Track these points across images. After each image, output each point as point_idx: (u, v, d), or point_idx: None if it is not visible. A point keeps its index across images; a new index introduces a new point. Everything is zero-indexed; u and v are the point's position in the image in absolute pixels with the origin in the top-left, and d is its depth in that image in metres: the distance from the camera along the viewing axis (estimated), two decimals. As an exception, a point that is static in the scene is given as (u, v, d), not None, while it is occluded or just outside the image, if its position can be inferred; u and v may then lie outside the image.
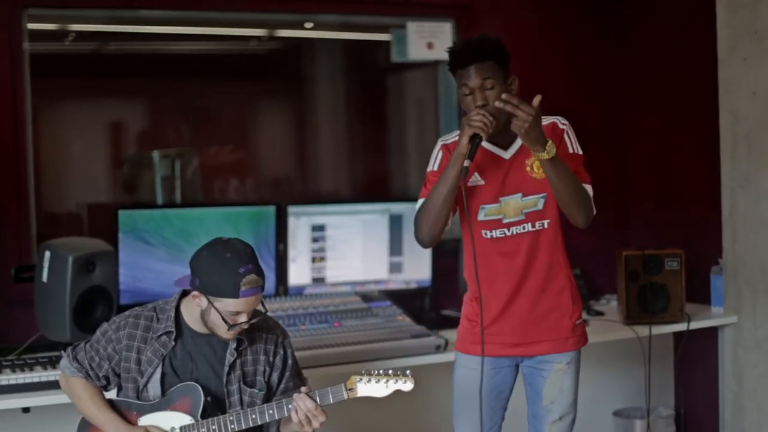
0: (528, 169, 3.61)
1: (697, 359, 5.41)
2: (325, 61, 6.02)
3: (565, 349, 3.68)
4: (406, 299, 4.93)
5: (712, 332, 5.20)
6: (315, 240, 4.87)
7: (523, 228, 3.61)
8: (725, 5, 4.99)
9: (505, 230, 3.61)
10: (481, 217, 3.62)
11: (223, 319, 3.24)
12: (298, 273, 4.84)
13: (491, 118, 3.43)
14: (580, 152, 3.67)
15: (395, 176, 6.06)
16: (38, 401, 3.78)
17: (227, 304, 3.21)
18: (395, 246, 5.00)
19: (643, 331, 4.85)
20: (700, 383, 5.44)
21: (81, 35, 5.40)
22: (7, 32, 4.63)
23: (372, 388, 3.29)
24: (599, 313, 5.20)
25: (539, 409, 3.71)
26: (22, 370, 3.83)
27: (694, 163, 5.51)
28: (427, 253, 5.02)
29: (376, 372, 3.30)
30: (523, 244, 3.61)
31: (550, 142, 3.41)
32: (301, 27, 5.75)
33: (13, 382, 3.76)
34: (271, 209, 4.77)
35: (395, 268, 5.01)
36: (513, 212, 3.60)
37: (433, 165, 3.66)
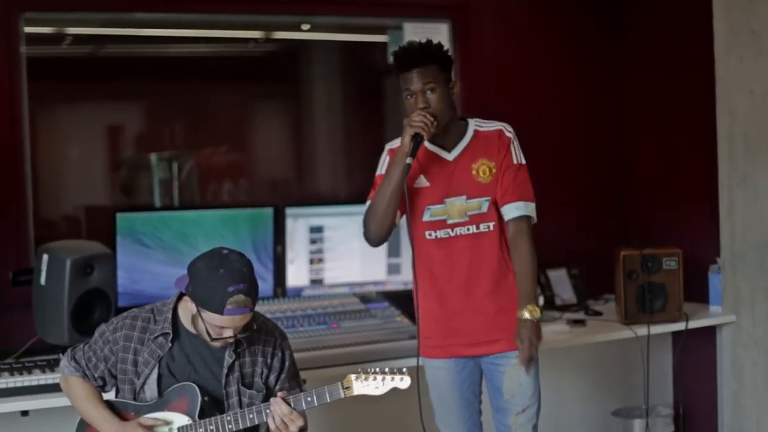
0: (474, 173, 3.73)
1: (696, 358, 5.41)
2: (323, 62, 6.01)
3: (515, 347, 3.75)
4: (404, 300, 4.91)
5: (710, 331, 5.21)
6: (313, 241, 4.87)
7: (467, 230, 3.72)
8: (722, 4, 4.99)
9: (449, 230, 3.72)
10: (426, 217, 3.74)
11: (207, 331, 3.25)
12: (296, 274, 4.84)
13: (432, 119, 3.57)
14: (524, 161, 3.79)
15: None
16: (37, 404, 3.78)
17: (212, 318, 3.21)
18: (393, 247, 4.99)
19: (641, 330, 4.85)
20: (699, 382, 5.44)
21: (78, 38, 5.39)
22: (4, 36, 4.62)
23: (368, 386, 3.30)
24: (597, 313, 5.21)
25: (501, 403, 3.80)
26: (21, 374, 3.83)
27: (692, 161, 5.51)
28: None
29: (372, 370, 3.31)
30: (468, 246, 3.72)
31: (526, 314, 3.65)
32: (297, 29, 5.74)
33: (11, 385, 3.76)
34: (269, 211, 4.77)
35: (393, 269, 5.01)
36: (457, 213, 3.71)
37: (381, 169, 3.80)
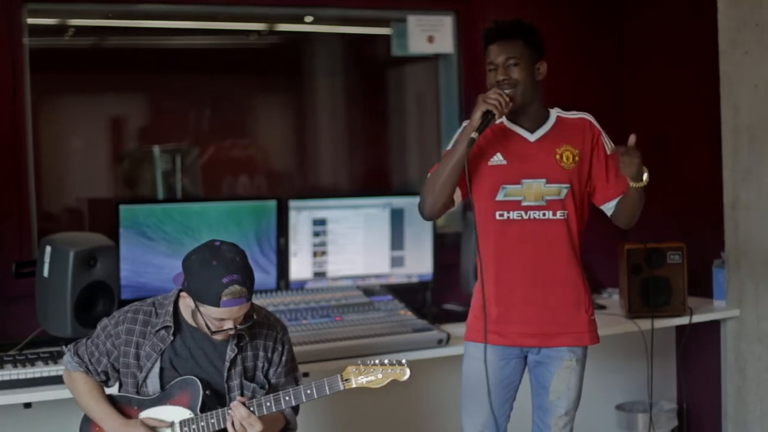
0: (557, 157, 3.63)
1: (700, 353, 5.41)
2: (326, 55, 6.00)
3: (581, 344, 3.69)
4: (407, 293, 4.93)
5: (714, 326, 5.20)
6: (316, 234, 4.86)
7: (543, 214, 3.60)
8: (726, -2, 4.99)
9: (522, 213, 3.59)
10: (500, 197, 3.61)
11: (206, 325, 3.24)
12: (300, 267, 4.83)
13: (507, 99, 3.48)
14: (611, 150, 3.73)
15: (396, 170, 6.05)
16: (39, 396, 3.77)
17: (210, 311, 3.21)
18: (397, 240, 4.99)
19: (645, 324, 4.84)
20: (703, 377, 5.44)
21: (80, 30, 5.38)
22: (7, 27, 4.61)
23: (368, 378, 3.28)
24: (601, 307, 5.20)
25: (546, 403, 3.70)
26: (23, 366, 3.83)
27: (696, 156, 5.50)
28: (428, 247, 5.02)
29: (372, 362, 3.29)
30: (541, 231, 3.60)
31: (646, 173, 3.51)
32: (301, 21, 5.73)
33: (14, 377, 3.75)
34: (272, 203, 4.77)
35: (397, 262, 5.01)
36: (534, 196, 3.59)
37: (450, 144, 3.65)
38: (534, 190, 3.59)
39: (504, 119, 3.66)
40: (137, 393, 3.36)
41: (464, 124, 3.66)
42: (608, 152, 3.69)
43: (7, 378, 3.74)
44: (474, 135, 3.44)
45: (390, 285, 4.96)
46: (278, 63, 5.96)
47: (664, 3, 5.66)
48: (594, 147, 3.69)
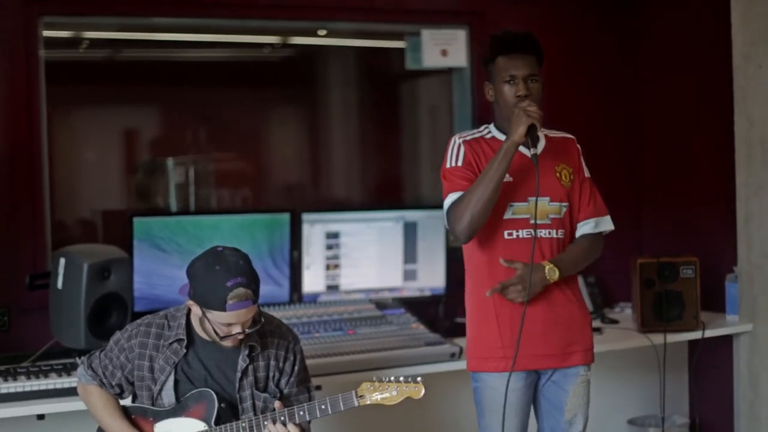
0: (558, 175, 3.61)
1: (712, 367, 5.39)
2: (339, 68, 6.02)
3: (589, 361, 3.66)
4: (420, 307, 4.93)
5: (727, 340, 5.18)
6: (329, 247, 4.86)
7: (549, 233, 3.57)
8: (740, 12, 4.98)
9: (532, 231, 3.52)
10: (508, 215, 3.55)
11: (215, 331, 3.24)
12: (313, 280, 4.84)
13: (541, 113, 3.44)
14: (589, 174, 3.72)
15: (409, 184, 6.06)
16: (53, 408, 3.78)
17: (217, 317, 3.21)
18: (410, 253, 4.99)
19: (657, 339, 4.83)
20: (715, 391, 5.42)
21: (95, 43, 5.41)
22: (23, 39, 4.63)
23: (383, 395, 3.28)
24: (614, 321, 5.19)
25: (561, 423, 3.65)
26: (37, 377, 3.83)
27: (709, 170, 5.49)
28: (441, 261, 5.02)
29: (387, 379, 3.29)
30: (546, 250, 3.56)
31: (547, 268, 3.48)
32: (314, 34, 5.75)
33: (27, 389, 3.76)
34: (286, 216, 4.77)
35: (409, 275, 5.01)
36: (540, 214, 3.53)
37: (455, 161, 3.58)
38: (540, 208, 3.52)
39: (498, 134, 3.62)
40: (153, 404, 3.37)
41: (457, 138, 3.63)
42: (586, 174, 3.70)
43: (20, 389, 3.75)
44: (533, 151, 3.41)
45: (403, 298, 4.95)
46: (292, 76, 5.98)
47: (678, 17, 5.66)
48: (579, 167, 3.69)
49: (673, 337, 4.89)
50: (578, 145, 3.74)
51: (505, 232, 3.55)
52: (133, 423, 3.38)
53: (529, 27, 5.63)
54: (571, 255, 3.60)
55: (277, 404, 3.31)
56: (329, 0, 5.35)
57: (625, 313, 5.38)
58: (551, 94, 5.66)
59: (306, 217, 4.81)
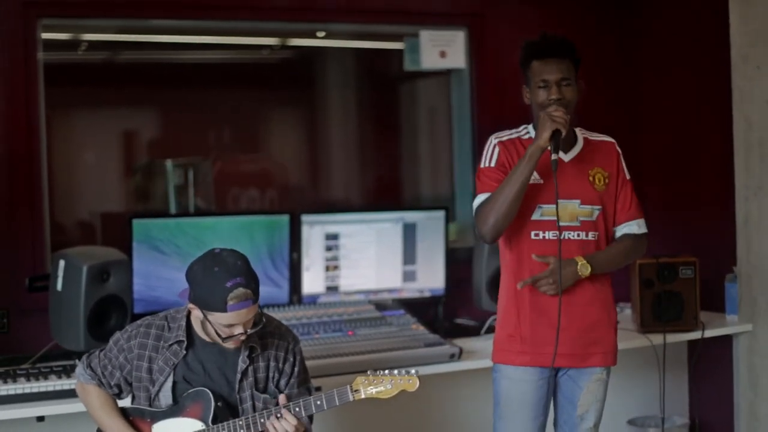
0: (590, 179, 3.66)
1: (712, 367, 5.39)
2: (338, 69, 6.02)
3: (609, 364, 3.72)
4: (419, 308, 4.93)
5: (726, 340, 5.19)
6: (329, 249, 4.87)
7: (577, 235, 3.62)
8: (738, 13, 4.98)
9: (557, 233, 3.56)
10: (536, 216, 3.61)
11: (216, 332, 3.24)
12: (312, 282, 4.84)
13: (568, 116, 3.49)
14: (629, 176, 3.77)
15: (408, 185, 6.06)
16: (52, 410, 3.78)
17: (219, 318, 3.20)
18: (409, 254, 4.99)
19: (657, 339, 4.84)
20: (715, 391, 5.42)
21: (94, 45, 5.41)
22: (22, 42, 4.64)
23: (377, 388, 3.28)
24: (613, 322, 5.19)
25: (573, 418, 3.72)
26: (37, 379, 3.84)
27: (708, 171, 5.50)
28: (440, 262, 5.03)
29: (381, 372, 3.29)
30: (575, 252, 3.60)
31: (580, 264, 3.55)
32: (313, 36, 5.75)
33: (27, 390, 3.76)
34: (285, 218, 4.78)
35: (409, 276, 5.01)
36: (569, 217, 3.59)
37: (489, 161, 3.64)
38: (569, 210, 3.59)
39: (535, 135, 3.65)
40: (150, 406, 3.36)
41: (493, 139, 3.68)
42: (627, 176, 3.75)
43: (20, 391, 3.75)
44: (554, 156, 3.46)
45: (402, 299, 4.95)
46: (290, 78, 5.98)
47: (678, 18, 5.66)
48: (619, 171, 3.74)
49: (673, 338, 4.90)
50: (618, 149, 3.78)
51: (532, 233, 3.61)
52: (131, 424, 3.37)
53: (528, 28, 5.65)
54: (608, 253, 3.67)
55: (281, 397, 3.32)
56: (328, 2, 5.36)
57: (624, 313, 5.37)
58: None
59: (305, 218, 4.82)
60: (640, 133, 5.93)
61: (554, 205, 3.54)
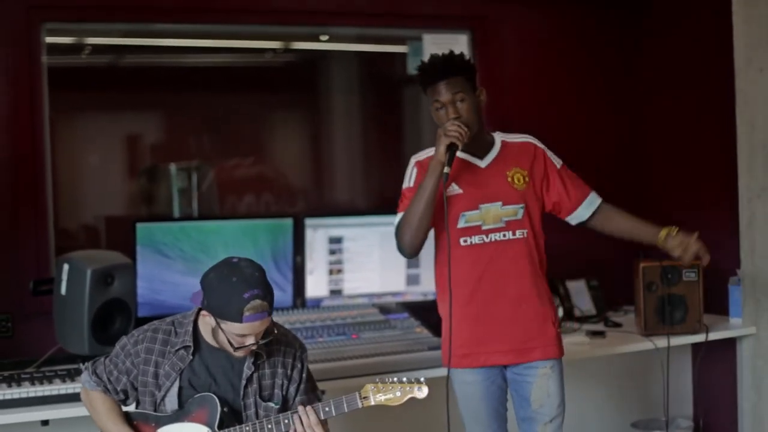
0: (509, 179, 3.77)
1: (716, 370, 5.39)
2: (341, 73, 6.02)
3: (550, 356, 3.79)
4: (423, 311, 4.91)
5: (730, 343, 5.19)
6: (332, 252, 4.87)
7: (503, 235, 3.74)
8: (742, 16, 4.97)
9: (484, 236, 3.73)
10: (461, 224, 3.74)
11: (229, 341, 3.24)
12: (316, 285, 4.84)
13: (466, 129, 3.61)
14: (560, 161, 3.90)
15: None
16: (57, 414, 3.79)
17: (232, 327, 3.21)
18: (413, 258, 4.98)
19: (661, 342, 4.83)
20: (719, 394, 5.42)
21: (98, 48, 5.41)
22: (26, 46, 4.66)
23: (386, 396, 3.30)
24: (617, 325, 5.19)
25: (529, 413, 3.81)
26: (41, 383, 3.84)
27: (712, 173, 5.49)
28: (444, 265, 5.02)
29: (390, 380, 3.32)
30: (502, 252, 3.73)
31: (665, 231, 3.88)
32: (316, 39, 5.75)
33: (32, 394, 3.77)
34: (289, 222, 4.78)
35: (412, 280, 5.01)
36: (492, 219, 3.73)
37: (409, 182, 3.83)
38: (492, 213, 3.74)
39: None
40: (155, 410, 3.37)
41: (412, 160, 3.86)
42: (558, 165, 3.87)
43: (24, 395, 3.76)
44: (446, 170, 3.58)
45: (406, 303, 4.96)
46: (294, 81, 5.97)
47: (681, 23, 5.66)
48: (546, 167, 3.85)
49: (677, 341, 4.89)
50: (538, 144, 3.88)
51: (461, 239, 3.75)
52: (136, 429, 3.38)
53: (530, 32, 5.70)
54: (630, 217, 3.94)
55: (302, 409, 3.33)
56: (331, 5, 5.36)
57: (628, 316, 5.38)
58: (553, 98, 5.71)
59: (309, 221, 4.82)
60: (643, 136, 5.93)
61: (477, 211, 3.73)
